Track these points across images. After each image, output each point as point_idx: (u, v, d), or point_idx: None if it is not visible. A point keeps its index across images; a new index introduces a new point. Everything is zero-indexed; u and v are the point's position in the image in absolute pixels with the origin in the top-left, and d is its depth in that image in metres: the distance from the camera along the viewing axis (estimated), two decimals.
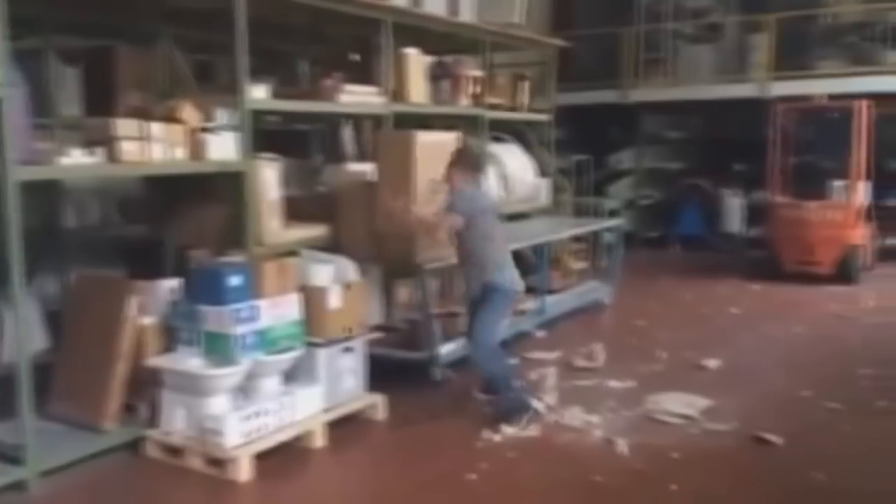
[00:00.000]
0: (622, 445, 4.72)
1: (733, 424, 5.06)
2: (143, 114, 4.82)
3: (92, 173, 5.02)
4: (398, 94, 6.66)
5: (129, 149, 4.52)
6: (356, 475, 4.65)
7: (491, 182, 7.72)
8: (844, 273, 9.73)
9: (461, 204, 5.12)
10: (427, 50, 7.11)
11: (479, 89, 7.79)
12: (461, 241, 5.20)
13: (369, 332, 5.56)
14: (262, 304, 4.60)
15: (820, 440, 4.93)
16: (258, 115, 5.51)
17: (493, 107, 8.09)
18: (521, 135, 9.00)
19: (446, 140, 5.98)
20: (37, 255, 4.37)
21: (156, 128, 4.69)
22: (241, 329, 4.46)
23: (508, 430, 4.91)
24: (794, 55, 11.95)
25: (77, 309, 4.94)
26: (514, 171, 8.29)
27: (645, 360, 6.52)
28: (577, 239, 9.23)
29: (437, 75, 7.34)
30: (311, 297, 4.91)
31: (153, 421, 4.65)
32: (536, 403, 5.26)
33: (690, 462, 4.56)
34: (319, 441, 4.76)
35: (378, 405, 5.23)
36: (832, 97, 10.42)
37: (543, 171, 8.93)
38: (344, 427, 4.95)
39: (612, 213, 11.08)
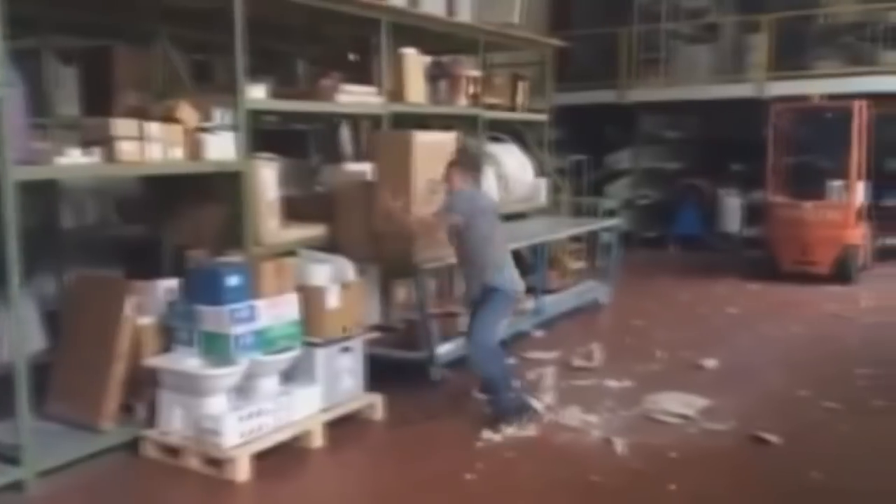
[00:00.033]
0: (620, 445, 4.72)
1: (731, 424, 5.07)
2: (141, 114, 4.82)
3: (90, 173, 5.01)
4: (396, 94, 6.66)
5: (126, 149, 4.52)
6: (354, 475, 4.65)
7: (489, 182, 7.73)
8: (842, 273, 9.74)
9: (460, 204, 5.12)
10: (425, 50, 7.12)
11: (477, 89, 7.79)
12: (460, 241, 5.19)
13: (367, 331, 5.56)
14: (260, 304, 4.59)
15: (817, 440, 4.94)
16: (256, 114, 5.51)
17: (491, 107, 8.09)
18: (518, 135, 9.01)
19: (445, 140, 5.99)
20: (35, 255, 4.36)
21: (154, 128, 4.69)
22: (239, 329, 4.46)
23: (506, 430, 4.91)
24: (791, 55, 11.96)
25: (75, 309, 4.94)
26: (512, 170, 8.30)
27: (643, 359, 6.53)
28: (575, 239, 9.25)
29: (435, 75, 7.34)
30: (310, 297, 4.90)
31: (151, 421, 4.65)
32: (535, 403, 5.27)
33: (688, 462, 4.56)
34: (318, 441, 4.76)
35: (376, 405, 5.23)
36: (830, 97, 10.43)
37: (541, 171, 8.94)
38: (342, 427, 4.95)
39: (610, 213, 11.08)
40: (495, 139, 8.54)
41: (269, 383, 4.76)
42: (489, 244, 5.13)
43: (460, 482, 4.30)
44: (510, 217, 7.84)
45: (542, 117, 9.17)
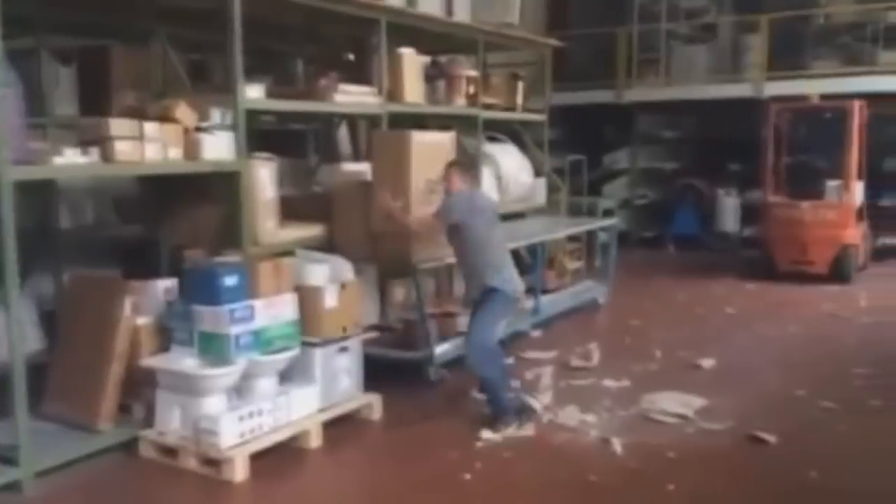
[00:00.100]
0: (618, 445, 4.72)
1: (728, 424, 5.07)
2: (138, 113, 4.82)
3: (86, 173, 5.01)
4: (393, 93, 6.65)
5: (123, 148, 4.51)
6: (352, 475, 4.65)
7: (487, 182, 7.74)
8: (839, 273, 9.75)
9: (458, 205, 5.12)
10: (422, 50, 7.11)
11: (474, 89, 7.78)
12: (459, 242, 5.19)
13: (365, 331, 5.56)
14: (258, 304, 4.59)
15: (814, 439, 4.95)
16: (253, 114, 5.50)
17: (489, 107, 8.09)
18: (516, 135, 9.01)
19: (442, 140, 5.99)
20: (32, 255, 4.36)
21: (150, 127, 4.68)
22: (236, 329, 4.46)
23: (504, 430, 4.90)
24: (788, 55, 11.97)
25: (72, 309, 4.94)
26: (509, 170, 8.30)
27: (640, 359, 6.53)
28: (572, 238, 9.25)
29: (433, 75, 7.34)
30: (307, 297, 4.90)
31: (148, 421, 4.65)
32: (533, 403, 5.27)
33: (686, 461, 4.56)
34: (315, 441, 4.76)
35: (374, 405, 5.23)
36: (826, 97, 10.44)
37: (539, 171, 8.94)
38: (339, 427, 4.95)
39: (607, 213, 11.09)
40: (493, 139, 8.54)
41: (267, 383, 4.75)
42: (488, 245, 5.13)
43: (458, 482, 4.30)
44: (508, 217, 7.83)
45: (540, 117, 9.17)
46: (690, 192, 13.21)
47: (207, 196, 5.27)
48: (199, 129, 4.98)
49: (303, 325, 4.86)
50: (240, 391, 4.67)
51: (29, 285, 5.03)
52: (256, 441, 4.48)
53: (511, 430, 4.92)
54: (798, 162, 10.50)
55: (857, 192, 10.08)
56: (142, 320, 4.68)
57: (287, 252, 5.26)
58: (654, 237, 13.40)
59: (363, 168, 6.18)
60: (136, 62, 5.71)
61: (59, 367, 4.78)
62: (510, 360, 5.95)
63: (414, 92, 6.90)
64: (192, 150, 4.93)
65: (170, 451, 4.49)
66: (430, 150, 5.69)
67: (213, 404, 4.47)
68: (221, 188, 5.18)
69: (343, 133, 7.70)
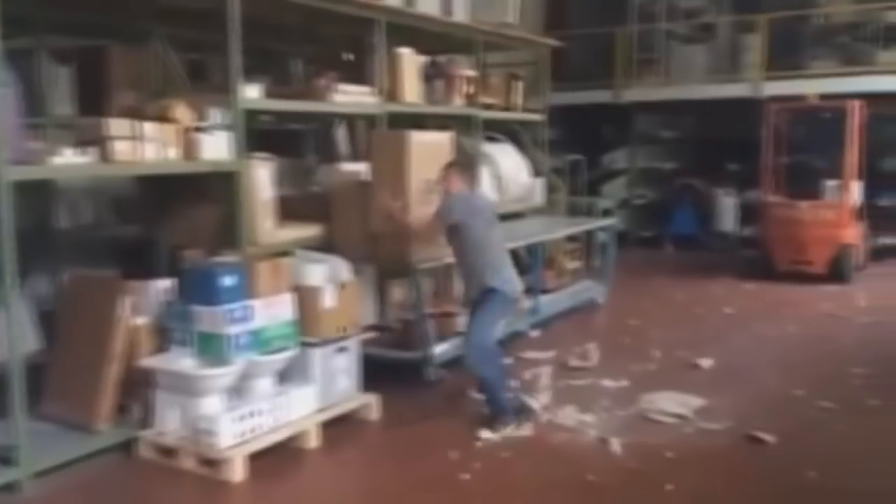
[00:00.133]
0: (616, 445, 4.72)
1: (727, 423, 5.07)
2: (136, 113, 4.81)
3: (84, 173, 5.00)
4: (392, 93, 6.65)
5: (121, 148, 4.51)
6: (350, 475, 4.64)
7: (485, 182, 7.73)
8: (837, 272, 9.76)
9: (456, 206, 5.11)
10: (421, 50, 7.11)
11: (472, 89, 7.79)
12: (458, 242, 5.18)
13: (363, 331, 5.56)
14: (256, 304, 4.59)
15: (813, 439, 4.95)
16: (251, 114, 5.50)
17: (487, 107, 8.09)
18: (514, 135, 9.00)
19: (441, 140, 5.99)
20: (29, 256, 4.34)
21: (148, 127, 4.68)
22: (234, 329, 4.45)
23: (503, 430, 4.90)
24: (786, 55, 11.98)
25: (70, 309, 4.93)
26: (508, 170, 8.30)
27: (639, 359, 6.53)
28: (571, 238, 9.24)
29: (431, 75, 7.33)
30: (305, 297, 4.90)
31: (146, 421, 4.64)
32: (531, 403, 5.27)
33: (685, 461, 4.56)
34: (313, 441, 4.75)
35: (372, 405, 5.23)
36: (825, 97, 10.44)
37: (537, 171, 8.93)
38: (338, 427, 4.95)
39: (606, 213, 11.08)
40: (491, 139, 8.53)
41: (265, 383, 4.75)
42: (487, 245, 5.13)
43: (456, 482, 4.30)
44: (506, 217, 7.82)
45: (538, 117, 9.17)
46: (689, 192, 13.21)
47: (206, 196, 5.27)
48: (197, 129, 4.97)
49: (301, 325, 4.86)
50: (238, 391, 4.66)
51: (27, 285, 5.03)
52: (255, 441, 4.48)
53: (510, 430, 4.92)
54: (797, 162, 10.52)
55: (856, 191, 10.09)
56: (140, 320, 4.67)
57: (285, 252, 5.25)
58: (653, 237, 13.40)
59: (362, 168, 6.17)
60: (135, 62, 5.70)
61: (57, 367, 4.77)
62: (508, 360, 5.95)
63: (412, 92, 6.90)
64: (190, 150, 4.93)
65: (168, 452, 4.49)
66: (429, 150, 5.68)
67: (212, 404, 4.47)
68: (220, 188, 5.17)
69: (342, 133, 7.69)
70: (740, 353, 6.89)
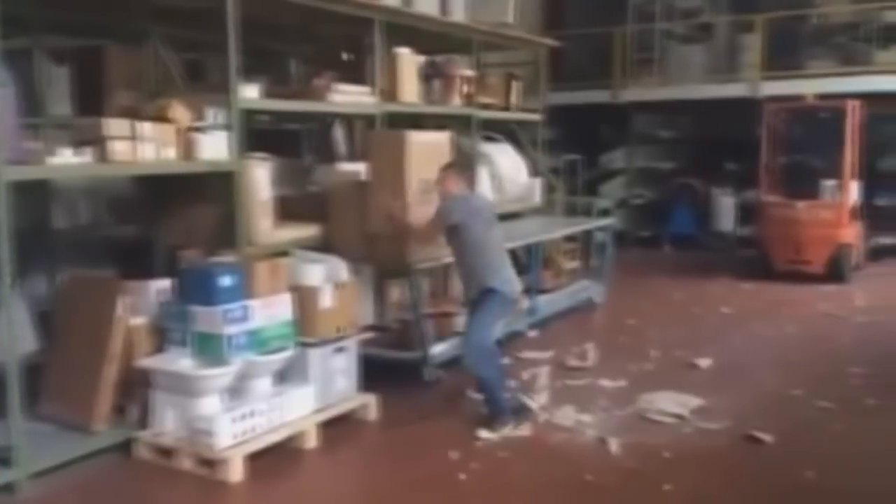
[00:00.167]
0: (614, 445, 4.72)
1: (725, 423, 5.08)
2: (134, 113, 4.80)
3: (82, 173, 5.00)
4: (390, 93, 6.65)
5: (119, 148, 4.50)
6: (348, 475, 4.64)
7: (483, 182, 7.73)
8: (835, 272, 9.76)
9: (455, 207, 5.11)
10: (419, 49, 7.10)
11: (470, 89, 7.78)
12: (458, 244, 5.18)
13: (361, 332, 5.55)
14: (254, 304, 4.58)
15: (811, 439, 4.95)
16: (249, 114, 5.49)
17: (485, 106, 8.09)
18: (512, 134, 9.00)
19: (439, 140, 5.98)
20: (27, 256, 4.34)
21: (146, 127, 4.67)
22: (232, 329, 4.45)
23: (501, 430, 4.90)
24: (784, 55, 11.99)
25: (67, 309, 4.92)
26: (506, 170, 8.30)
27: (637, 359, 6.53)
28: (569, 238, 9.24)
29: (429, 75, 7.33)
30: (303, 297, 4.89)
31: (144, 422, 4.63)
32: (529, 403, 5.26)
33: (683, 461, 4.56)
34: (311, 441, 4.75)
35: (370, 405, 5.22)
36: (822, 97, 10.45)
37: (535, 171, 8.93)
38: (336, 427, 4.94)
39: (604, 213, 11.08)
40: (489, 139, 8.53)
41: (263, 384, 4.74)
42: (486, 246, 5.12)
43: (455, 482, 4.30)
44: (504, 217, 7.81)
45: (536, 117, 9.17)
46: (687, 192, 13.21)
47: (203, 196, 5.26)
48: (194, 129, 4.97)
49: (299, 325, 4.86)
50: (236, 392, 4.66)
51: (25, 285, 5.02)
52: (252, 442, 4.47)
53: (508, 430, 4.91)
54: (794, 161, 10.52)
55: (853, 191, 10.10)
56: (138, 321, 4.66)
57: (283, 252, 5.25)
58: (651, 237, 13.40)
59: (359, 168, 6.17)
60: (132, 62, 5.69)
61: (55, 367, 4.76)
62: (506, 361, 5.94)
63: (410, 92, 6.90)
64: (187, 149, 4.92)
65: (165, 452, 4.48)
66: (427, 149, 5.68)
67: (209, 405, 4.46)
68: (217, 188, 5.16)
69: (340, 133, 7.68)
70: (738, 352, 6.90)
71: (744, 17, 12.75)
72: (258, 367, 4.66)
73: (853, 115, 10.01)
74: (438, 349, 5.92)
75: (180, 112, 4.92)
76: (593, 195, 12.42)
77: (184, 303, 4.57)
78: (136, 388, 4.64)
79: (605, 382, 5.89)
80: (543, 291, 7.92)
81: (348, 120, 7.42)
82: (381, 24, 6.40)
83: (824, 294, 9.23)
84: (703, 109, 12.45)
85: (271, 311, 4.68)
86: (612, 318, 8.27)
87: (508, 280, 5.15)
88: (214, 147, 5.03)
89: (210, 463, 4.33)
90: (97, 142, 4.45)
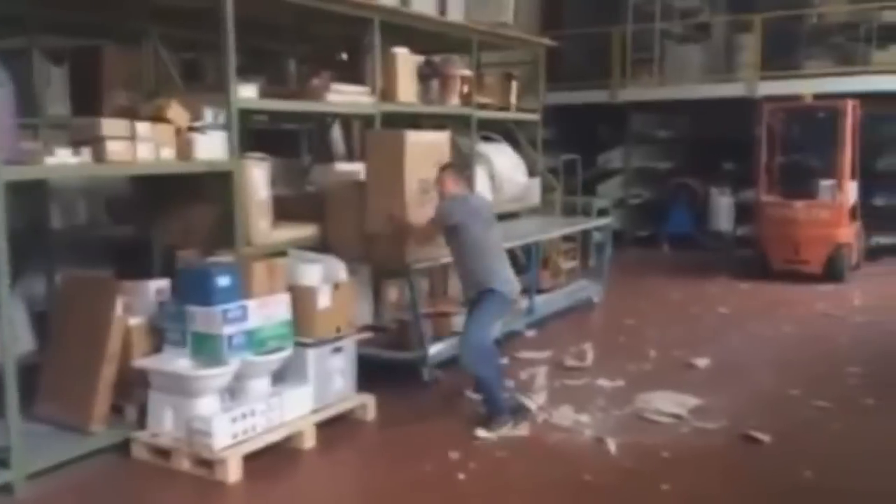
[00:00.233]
0: (612, 444, 4.72)
1: (723, 423, 5.08)
2: (130, 113, 4.80)
3: (78, 173, 4.99)
4: (387, 93, 6.64)
5: (115, 148, 4.49)
6: (346, 475, 4.64)
7: (481, 182, 7.73)
8: (832, 272, 9.76)
9: (453, 208, 5.11)
10: (416, 49, 7.10)
11: (468, 89, 7.78)
12: (457, 245, 5.17)
13: (359, 332, 5.54)
14: (251, 304, 4.58)
15: (808, 438, 4.95)
16: (247, 114, 5.49)
17: (483, 106, 8.08)
18: (510, 134, 9.01)
19: (438, 140, 5.97)
20: (24, 256, 4.33)
21: (143, 127, 4.66)
22: (229, 329, 4.44)
23: (499, 430, 4.90)
24: (781, 55, 11.99)
25: (64, 310, 4.91)
26: (503, 170, 8.30)
27: (634, 359, 6.53)
28: (566, 238, 9.24)
29: (427, 75, 7.32)
30: (301, 297, 4.89)
31: (141, 422, 4.63)
32: (527, 403, 5.26)
33: (680, 461, 4.56)
34: (309, 442, 4.74)
35: (368, 405, 5.22)
36: (819, 97, 10.46)
37: (533, 171, 8.93)
38: (333, 427, 4.94)
39: (602, 213, 11.08)
40: (487, 139, 8.53)
41: (260, 384, 4.74)
42: (485, 246, 5.12)
43: (453, 482, 4.30)
44: (502, 217, 7.81)
45: (534, 117, 9.17)
46: (684, 192, 13.21)
47: (200, 196, 5.26)
48: (191, 129, 4.96)
49: (296, 325, 4.85)
50: (233, 392, 4.65)
51: (21, 286, 5.01)
52: (250, 442, 4.46)
53: (506, 430, 4.91)
54: (792, 161, 10.52)
55: (851, 191, 10.10)
56: (134, 321, 4.66)
57: (280, 252, 5.24)
58: (649, 236, 13.40)
59: (357, 168, 6.16)
60: (129, 62, 5.69)
61: (51, 368, 4.75)
62: (504, 361, 5.94)
63: (407, 91, 6.89)
64: (184, 149, 4.92)
65: (163, 453, 4.47)
66: (426, 149, 5.67)
67: (206, 405, 4.46)
68: (214, 188, 5.16)
69: (337, 133, 7.68)
70: (736, 352, 6.90)
71: (741, 16, 12.75)
72: (256, 368, 4.65)
73: (850, 115, 10.01)
74: (436, 349, 5.91)
75: (178, 112, 4.91)
76: (591, 195, 12.41)
77: (181, 303, 4.56)
78: (134, 388, 4.63)
79: (603, 382, 5.89)
80: (541, 291, 7.93)
81: (345, 120, 7.42)
82: (379, 23, 6.39)
83: (822, 294, 9.23)
84: (701, 109, 12.45)
85: (269, 311, 4.68)
86: (610, 318, 8.27)
87: (507, 280, 5.15)
88: (212, 147, 5.03)
89: (208, 463, 4.32)
90: (94, 142, 4.44)
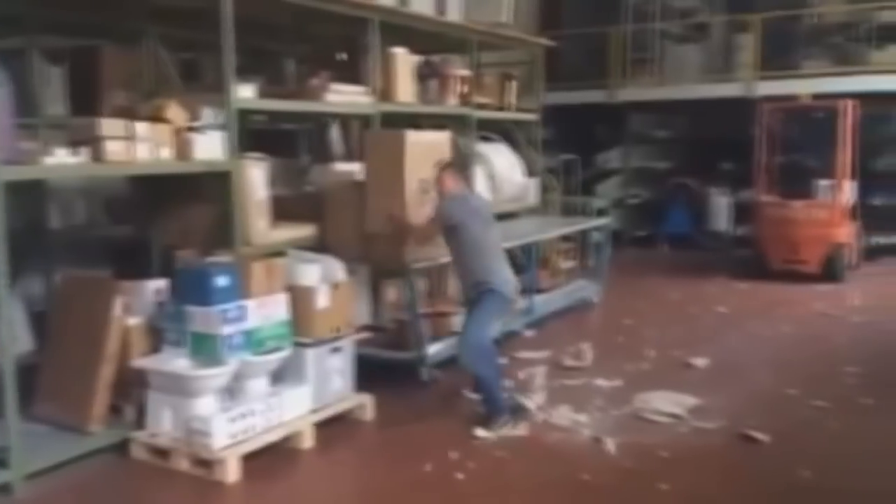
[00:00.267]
0: (610, 444, 4.73)
1: (721, 423, 5.08)
2: (129, 113, 4.80)
3: (77, 173, 4.99)
4: (386, 93, 6.64)
5: (114, 148, 4.49)
6: (344, 475, 4.64)
7: (479, 182, 7.73)
8: (830, 272, 9.78)
9: (452, 207, 5.11)
10: (414, 49, 7.10)
11: (466, 89, 7.78)
12: (455, 244, 5.17)
13: (357, 332, 5.55)
14: (250, 304, 4.58)
15: (806, 438, 4.96)
16: (245, 114, 5.49)
17: (481, 106, 8.08)
18: (508, 134, 9.01)
19: (437, 140, 5.97)
20: (22, 256, 4.33)
21: (141, 127, 4.67)
22: (228, 329, 4.44)
23: (498, 430, 4.90)
24: (779, 55, 12.00)
25: (63, 310, 4.91)
26: (502, 170, 8.30)
27: (633, 358, 6.54)
28: (565, 238, 9.25)
29: (425, 75, 7.33)
30: (299, 297, 4.89)
31: (140, 422, 4.63)
32: (526, 402, 5.26)
33: (679, 460, 4.57)
34: (307, 442, 4.74)
35: (366, 405, 5.22)
36: (818, 97, 10.46)
37: (531, 171, 8.94)
38: (332, 427, 4.94)
39: (600, 213, 11.08)
40: (485, 139, 8.53)
41: (259, 384, 4.74)
42: (484, 246, 5.12)
43: (451, 482, 4.30)
44: (501, 217, 7.81)
45: (532, 117, 9.17)
46: (683, 192, 13.22)
47: (199, 196, 5.26)
48: (190, 129, 4.96)
49: (295, 325, 4.85)
50: (232, 392, 4.65)
51: (19, 286, 5.00)
52: (248, 442, 4.46)
53: (505, 430, 4.91)
54: (790, 161, 10.54)
55: (849, 191, 10.11)
56: (133, 321, 4.66)
57: (279, 252, 5.24)
58: (647, 236, 13.41)
59: (356, 168, 6.16)
60: (127, 62, 5.69)
61: (49, 368, 4.75)
62: (503, 360, 5.94)
63: (406, 91, 6.90)
64: (183, 149, 4.92)
65: (161, 453, 4.48)
66: (425, 149, 5.67)
67: (205, 405, 4.46)
68: (213, 188, 5.16)
69: (335, 133, 7.68)
70: (734, 352, 6.90)
71: (739, 16, 12.76)
72: (254, 368, 4.65)
73: (848, 115, 10.02)
74: (434, 349, 5.91)
75: (176, 112, 4.91)
76: (589, 195, 12.41)
77: (180, 303, 4.56)
78: (133, 388, 4.63)
79: (602, 382, 5.89)
80: (540, 291, 7.93)
81: (344, 120, 7.42)
82: (378, 23, 6.40)
83: (820, 293, 9.24)
84: (699, 109, 12.46)
85: (267, 311, 4.68)
86: (608, 318, 8.27)
87: (506, 280, 5.15)
88: (210, 147, 5.03)
89: (206, 463, 4.32)
90: (93, 142, 4.44)
